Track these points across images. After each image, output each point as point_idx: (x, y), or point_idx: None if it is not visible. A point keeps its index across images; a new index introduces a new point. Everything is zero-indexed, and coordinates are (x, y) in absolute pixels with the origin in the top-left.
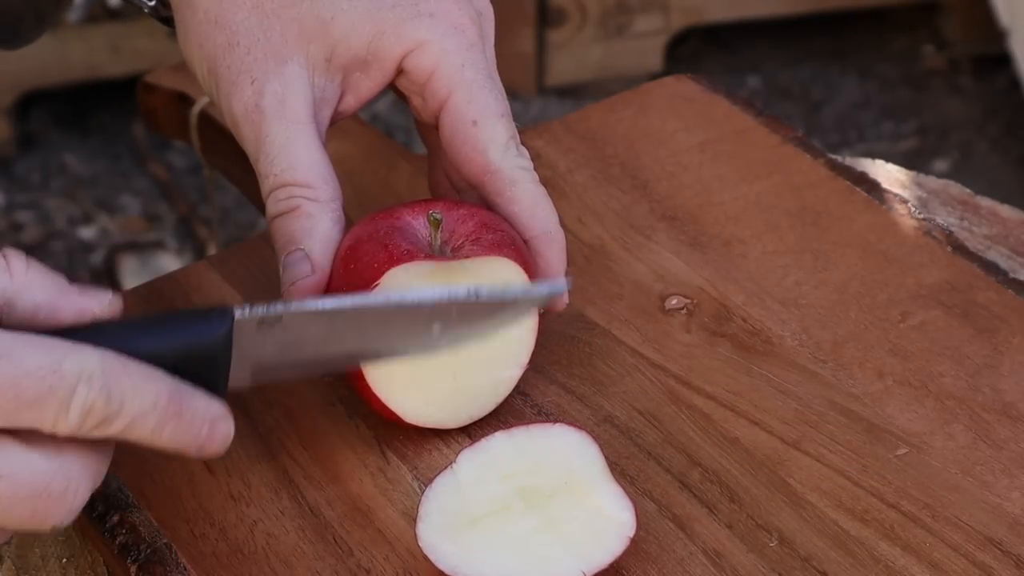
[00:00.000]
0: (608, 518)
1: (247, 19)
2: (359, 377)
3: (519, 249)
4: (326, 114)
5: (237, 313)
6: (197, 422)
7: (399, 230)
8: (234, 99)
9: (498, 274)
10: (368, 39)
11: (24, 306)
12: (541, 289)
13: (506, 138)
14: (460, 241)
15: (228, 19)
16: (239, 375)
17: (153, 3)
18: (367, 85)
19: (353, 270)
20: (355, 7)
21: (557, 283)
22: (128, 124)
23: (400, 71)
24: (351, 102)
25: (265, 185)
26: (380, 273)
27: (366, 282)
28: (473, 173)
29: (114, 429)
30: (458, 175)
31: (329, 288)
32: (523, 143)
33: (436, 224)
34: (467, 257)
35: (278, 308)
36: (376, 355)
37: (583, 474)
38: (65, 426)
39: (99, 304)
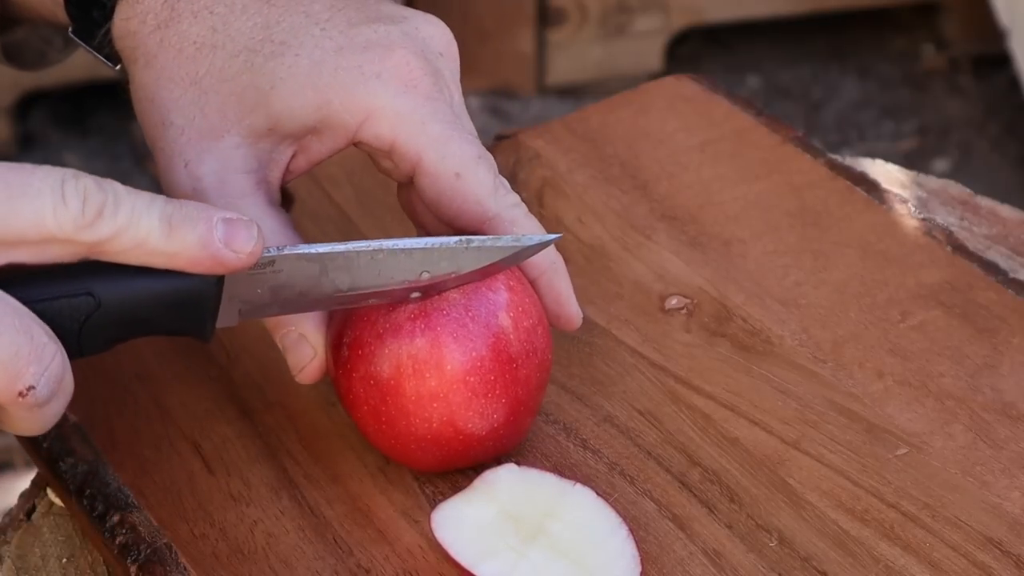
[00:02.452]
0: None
1: (182, 96)
2: (356, 408)
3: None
4: (276, 176)
5: None
6: (206, 212)
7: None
8: (172, 181)
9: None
10: (313, 108)
11: None
12: (533, 239)
13: (493, 180)
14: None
15: (164, 97)
16: (228, 316)
17: (119, 67)
18: (319, 149)
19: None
20: (294, 74)
21: (549, 235)
22: (128, 124)
23: (358, 143)
24: (302, 163)
25: None
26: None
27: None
28: (469, 223)
29: (119, 219)
30: (450, 226)
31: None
32: (523, 143)
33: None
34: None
35: (271, 252)
36: (364, 297)
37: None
38: (65, 214)
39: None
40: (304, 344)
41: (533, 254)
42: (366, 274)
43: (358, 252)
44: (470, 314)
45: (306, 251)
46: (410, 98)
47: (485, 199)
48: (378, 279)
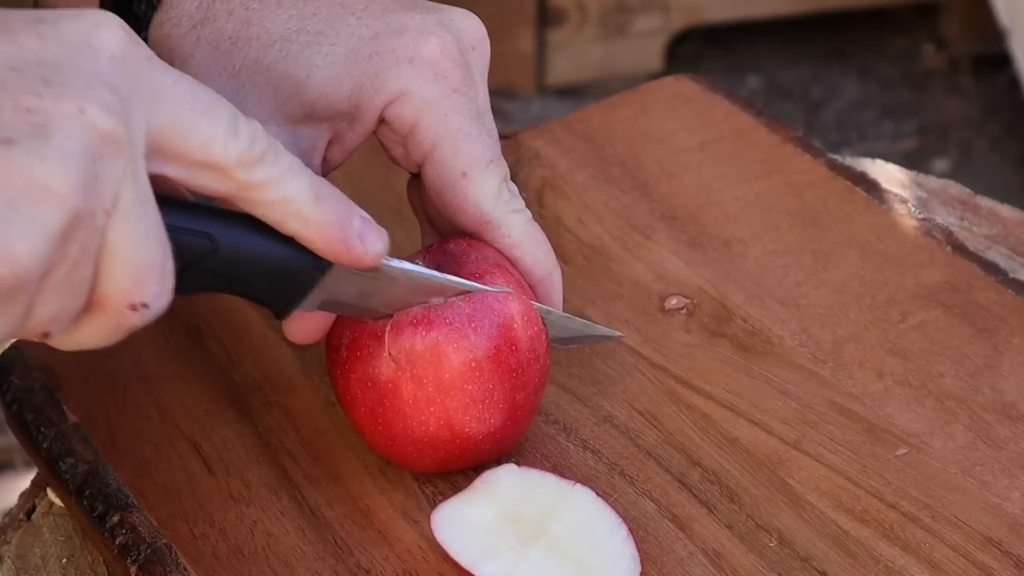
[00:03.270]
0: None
1: (221, 92)
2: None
3: (505, 270)
4: (316, 163)
5: None
6: (349, 204)
7: None
8: None
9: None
10: (347, 93)
11: None
12: (605, 331)
13: (497, 185)
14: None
15: None
16: (311, 302)
17: None
18: (351, 136)
19: (329, 341)
20: (331, 62)
21: (617, 332)
22: None
23: (382, 121)
24: (337, 153)
25: None
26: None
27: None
28: (467, 224)
29: (277, 168)
30: (450, 222)
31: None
32: (523, 143)
33: None
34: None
35: (385, 261)
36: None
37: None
38: (235, 146)
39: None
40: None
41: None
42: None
43: (454, 284)
44: (473, 324)
45: (411, 269)
46: (438, 87)
47: (484, 203)
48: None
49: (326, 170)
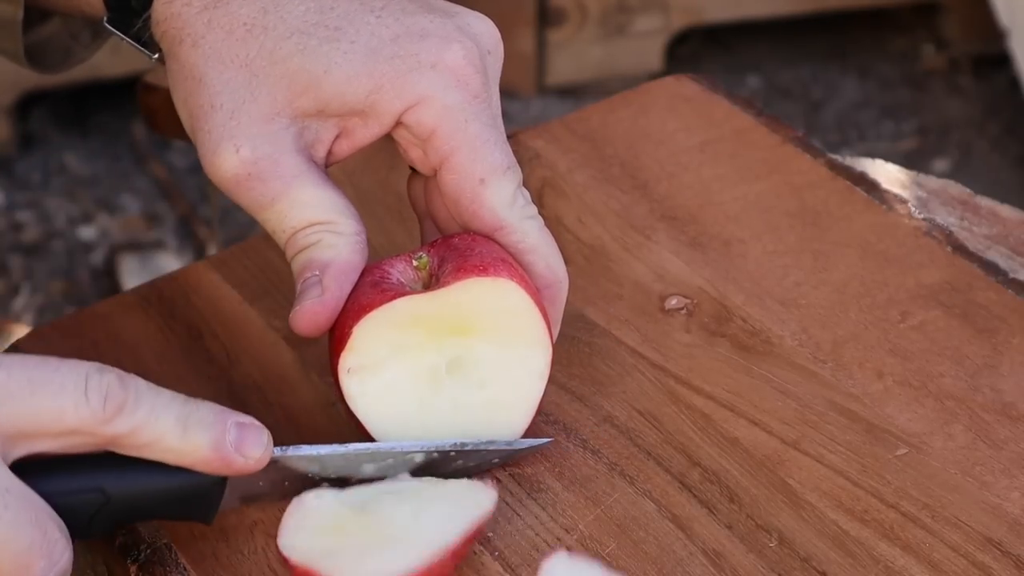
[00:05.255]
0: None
1: (233, 78)
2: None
3: (509, 264)
4: (321, 155)
5: None
6: (221, 416)
7: (373, 282)
8: (219, 165)
9: (483, 297)
10: (365, 93)
11: None
12: (524, 444)
13: (513, 191)
14: (446, 268)
15: (213, 79)
16: (230, 503)
17: (156, 56)
18: (363, 134)
19: (332, 334)
20: (350, 60)
21: (542, 440)
22: (128, 124)
23: (399, 124)
24: (345, 147)
25: (281, 238)
26: (348, 331)
27: (338, 343)
28: (482, 228)
29: (138, 416)
30: (463, 224)
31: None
32: (523, 143)
33: (423, 266)
34: (449, 284)
35: (276, 452)
36: (358, 481)
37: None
38: (86, 410)
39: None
40: (317, 287)
41: (521, 456)
42: (363, 469)
43: (357, 455)
44: None
45: (308, 453)
46: (459, 93)
47: (501, 210)
48: (374, 473)
49: (330, 162)
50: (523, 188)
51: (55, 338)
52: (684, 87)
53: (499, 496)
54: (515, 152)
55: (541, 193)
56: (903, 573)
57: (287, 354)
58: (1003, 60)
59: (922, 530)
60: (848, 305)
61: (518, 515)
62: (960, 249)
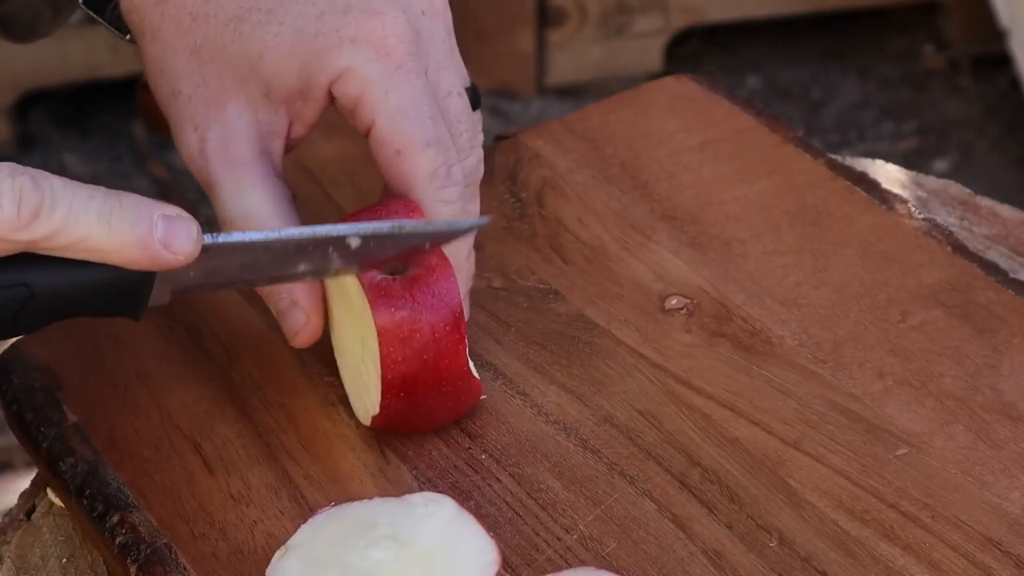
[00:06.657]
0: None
1: (186, 66)
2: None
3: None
4: (277, 144)
5: None
6: (146, 210)
7: None
8: (181, 145)
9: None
10: (296, 73)
11: None
12: (464, 224)
13: (432, 170)
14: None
15: (171, 68)
16: (159, 296)
17: (128, 37)
18: (309, 114)
19: None
20: (279, 42)
21: (482, 220)
22: (128, 124)
23: (331, 98)
24: (300, 129)
25: (222, 226)
26: None
27: None
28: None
29: (55, 219)
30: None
31: None
32: (523, 143)
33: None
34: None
35: (204, 240)
36: (288, 278)
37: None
38: (2, 216)
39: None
40: (296, 310)
41: (453, 239)
42: (293, 262)
43: (290, 239)
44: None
45: (239, 239)
46: (380, 64)
47: (415, 185)
48: (306, 268)
49: (290, 148)
50: (456, 173)
51: (55, 338)
52: (684, 87)
53: (499, 496)
54: (515, 152)
55: (541, 193)
56: (903, 573)
57: (287, 354)
58: (1003, 60)
59: (922, 530)
60: (848, 305)
61: (518, 515)
62: (960, 249)
